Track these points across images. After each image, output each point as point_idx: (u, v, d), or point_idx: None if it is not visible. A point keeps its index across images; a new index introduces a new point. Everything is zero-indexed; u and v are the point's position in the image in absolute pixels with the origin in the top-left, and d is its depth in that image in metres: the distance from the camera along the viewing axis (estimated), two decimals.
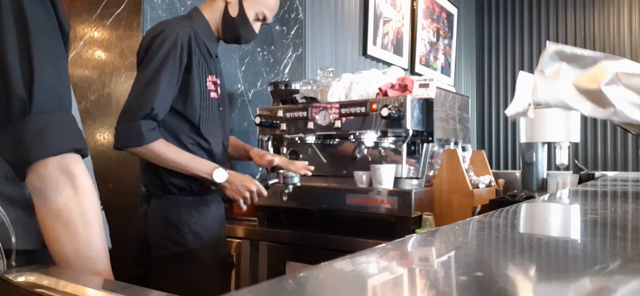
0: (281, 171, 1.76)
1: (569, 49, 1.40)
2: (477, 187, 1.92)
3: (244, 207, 1.64)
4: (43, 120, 0.77)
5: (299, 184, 1.76)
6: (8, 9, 0.76)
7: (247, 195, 1.61)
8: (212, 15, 1.70)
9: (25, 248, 0.83)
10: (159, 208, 1.61)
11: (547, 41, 1.51)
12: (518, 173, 2.54)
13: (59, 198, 0.78)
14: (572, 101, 1.35)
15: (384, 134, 1.92)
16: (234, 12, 1.67)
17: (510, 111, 1.61)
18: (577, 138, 2.32)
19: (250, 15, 1.69)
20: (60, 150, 0.78)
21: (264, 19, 1.73)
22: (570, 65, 1.39)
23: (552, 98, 1.38)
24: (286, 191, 1.78)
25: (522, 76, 1.74)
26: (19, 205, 0.83)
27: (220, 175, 1.56)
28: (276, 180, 1.76)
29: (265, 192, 1.66)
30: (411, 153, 1.94)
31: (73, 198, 0.79)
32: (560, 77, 1.37)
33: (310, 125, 1.94)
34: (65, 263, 0.81)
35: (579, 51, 1.40)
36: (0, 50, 0.76)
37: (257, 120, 2.02)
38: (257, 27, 1.73)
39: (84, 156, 0.82)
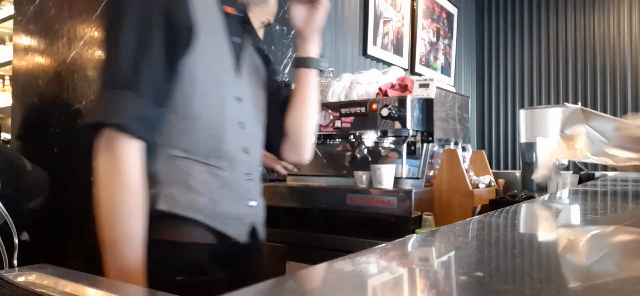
0: None
1: (588, 110, 1.47)
2: (477, 187, 1.91)
3: (284, 171, 1.68)
4: (99, 95, 0.92)
5: None
6: (110, 16, 0.96)
7: None
8: None
9: None
10: None
11: (565, 103, 1.58)
12: (518, 173, 2.53)
13: (99, 167, 0.90)
14: (598, 157, 1.42)
15: (384, 134, 1.92)
16: None
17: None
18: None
19: (256, 24, 1.68)
20: (96, 121, 0.89)
21: (268, 23, 1.73)
22: (591, 125, 1.45)
23: (575, 156, 1.44)
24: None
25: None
26: None
27: None
28: None
29: None
30: (411, 153, 1.94)
31: (107, 171, 0.89)
32: (581, 140, 1.43)
33: None
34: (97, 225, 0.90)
35: (600, 114, 1.46)
36: (102, 45, 0.96)
37: None
38: (262, 33, 1.73)
39: (135, 136, 0.90)
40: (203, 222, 0.97)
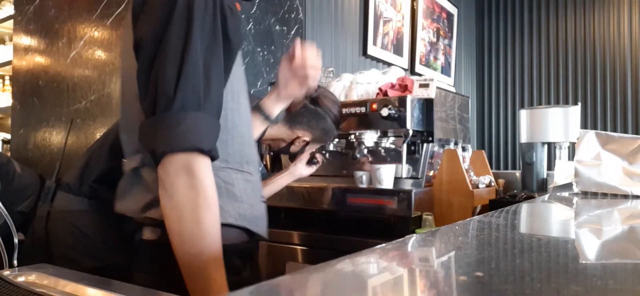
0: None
1: (603, 134, 1.46)
2: (477, 187, 1.91)
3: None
4: (179, 117, 0.83)
5: None
6: (181, 17, 0.85)
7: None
8: None
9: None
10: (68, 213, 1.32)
11: (580, 130, 1.56)
12: (518, 173, 2.53)
13: (175, 195, 0.83)
14: (622, 184, 1.40)
15: (384, 134, 1.92)
16: None
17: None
18: (576, 138, 2.31)
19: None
20: (184, 147, 0.83)
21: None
22: (608, 149, 1.44)
23: (597, 186, 1.43)
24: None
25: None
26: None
27: None
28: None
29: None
30: (411, 153, 1.94)
31: (188, 196, 0.83)
32: (603, 163, 1.42)
33: None
34: (175, 250, 0.85)
35: (615, 135, 1.45)
36: (163, 51, 0.85)
37: None
38: None
39: (213, 158, 0.87)
40: (246, 227, 0.98)
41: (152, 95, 0.85)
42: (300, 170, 1.68)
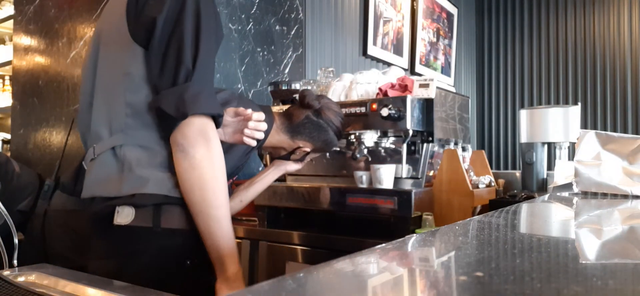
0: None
1: (603, 134, 1.46)
2: (477, 187, 1.91)
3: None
4: (199, 88, 0.99)
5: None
6: (191, 9, 1.03)
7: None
8: None
9: (159, 193, 1.01)
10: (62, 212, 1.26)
11: (580, 130, 1.56)
12: (518, 173, 2.53)
13: (197, 154, 0.98)
14: (622, 184, 1.40)
15: (384, 134, 1.92)
16: None
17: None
18: (576, 138, 2.30)
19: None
20: (208, 111, 0.99)
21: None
22: (608, 149, 1.44)
23: (597, 186, 1.43)
24: None
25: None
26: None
27: None
28: None
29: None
30: (411, 153, 1.94)
31: (206, 156, 0.99)
32: (603, 163, 1.42)
33: None
34: (192, 209, 1.00)
35: (615, 135, 1.45)
36: (181, 34, 1.00)
37: None
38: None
39: (218, 125, 1.03)
40: None
41: (172, 68, 1.00)
42: (286, 166, 1.69)
